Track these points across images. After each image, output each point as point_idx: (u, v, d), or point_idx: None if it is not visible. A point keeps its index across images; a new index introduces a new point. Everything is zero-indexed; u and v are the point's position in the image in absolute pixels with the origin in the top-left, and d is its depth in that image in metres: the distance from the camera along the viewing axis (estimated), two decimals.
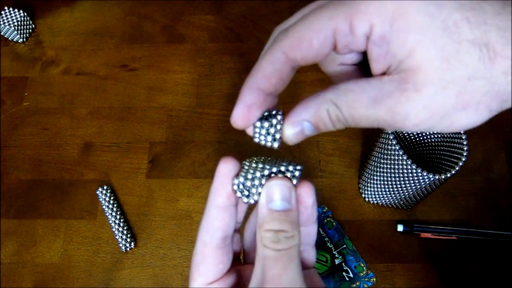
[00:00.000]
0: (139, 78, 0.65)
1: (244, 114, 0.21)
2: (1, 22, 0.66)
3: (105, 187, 0.56)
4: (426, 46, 0.17)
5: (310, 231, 0.24)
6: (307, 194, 0.22)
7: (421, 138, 0.53)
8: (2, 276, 0.53)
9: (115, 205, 0.56)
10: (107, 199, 0.56)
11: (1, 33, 0.68)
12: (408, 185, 0.46)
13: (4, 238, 0.56)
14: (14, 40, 0.69)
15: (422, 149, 0.54)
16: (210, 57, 0.67)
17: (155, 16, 0.71)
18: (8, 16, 0.67)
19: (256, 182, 0.21)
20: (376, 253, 0.53)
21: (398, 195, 0.50)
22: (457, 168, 0.43)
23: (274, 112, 0.21)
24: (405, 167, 0.43)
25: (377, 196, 0.53)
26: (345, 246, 0.53)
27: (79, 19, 0.71)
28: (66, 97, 0.65)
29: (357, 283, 0.51)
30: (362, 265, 0.51)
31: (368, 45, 0.19)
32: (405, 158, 0.43)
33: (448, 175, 0.43)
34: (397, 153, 0.43)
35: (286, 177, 0.21)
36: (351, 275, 0.51)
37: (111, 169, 0.59)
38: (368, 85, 0.19)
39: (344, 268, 0.51)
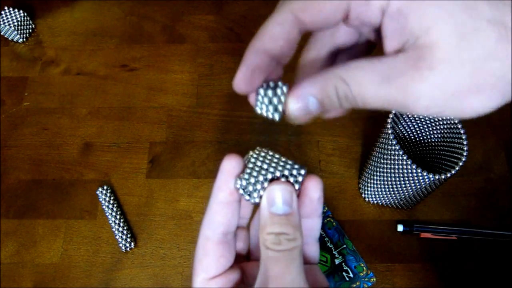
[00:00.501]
0: (139, 78, 0.65)
1: (247, 78, 0.20)
2: (1, 22, 0.66)
3: (105, 187, 0.56)
4: (445, 22, 0.16)
5: (313, 224, 0.24)
6: (314, 188, 0.22)
7: (421, 138, 0.53)
8: (2, 276, 0.53)
9: (115, 205, 0.56)
10: (107, 199, 0.56)
11: (1, 33, 0.68)
12: (408, 185, 0.46)
13: (4, 238, 0.56)
14: (14, 40, 0.69)
15: (422, 149, 0.54)
16: (210, 57, 0.67)
17: (155, 16, 0.71)
18: (8, 16, 0.67)
19: (258, 186, 0.21)
20: (376, 253, 0.53)
21: (398, 195, 0.50)
22: (457, 168, 0.43)
23: (280, 84, 0.21)
24: (405, 167, 0.43)
25: (377, 196, 0.53)
26: (345, 246, 0.53)
27: (79, 19, 0.71)
28: (66, 97, 0.65)
29: (357, 283, 0.51)
30: (362, 265, 0.51)
31: (383, 20, 0.18)
32: (405, 158, 0.43)
33: (448, 175, 0.43)
34: (397, 153, 0.43)
35: (289, 181, 0.21)
36: (351, 275, 0.51)
37: (111, 169, 0.59)
38: (380, 62, 0.18)
39: (344, 268, 0.51)
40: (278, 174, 0.21)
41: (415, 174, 0.43)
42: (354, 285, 0.50)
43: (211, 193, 0.22)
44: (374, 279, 0.51)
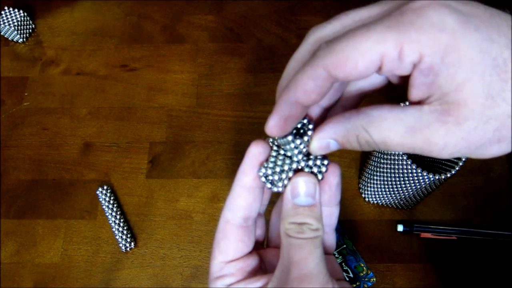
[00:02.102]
0: (139, 78, 0.65)
1: (280, 126, 0.21)
2: (1, 22, 0.66)
3: (105, 187, 0.56)
4: (474, 83, 0.17)
5: (332, 212, 0.24)
6: (333, 174, 0.23)
7: None
8: (2, 276, 0.53)
9: (115, 205, 0.56)
10: (107, 199, 0.56)
11: (1, 33, 0.68)
12: (408, 185, 0.46)
13: (4, 238, 0.56)
14: (14, 40, 0.69)
15: None
16: (210, 57, 0.67)
17: (155, 16, 0.71)
18: (8, 16, 0.67)
19: (283, 175, 0.22)
20: (376, 253, 0.53)
21: (398, 195, 0.50)
22: (457, 168, 0.43)
23: (305, 122, 0.22)
24: (405, 167, 0.43)
25: (377, 196, 0.53)
26: (345, 246, 0.53)
27: (79, 19, 0.71)
28: (66, 97, 0.65)
29: (357, 283, 0.51)
30: (362, 265, 0.51)
31: (413, 72, 0.18)
32: (405, 158, 0.43)
33: (448, 175, 0.43)
34: (397, 153, 0.43)
35: (313, 172, 0.22)
36: (351, 275, 0.51)
37: (111, 169, 0.59)
38: (404, 114, 0.19)
39: (344, 268, 0.51)
40: (303, 164, 0.22)
41: (415, 174, 0.43)
42: (354, 285, 0.50)
43: (235, 176, 0.23)
44: (374, 279, 0.51)
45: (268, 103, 0.62)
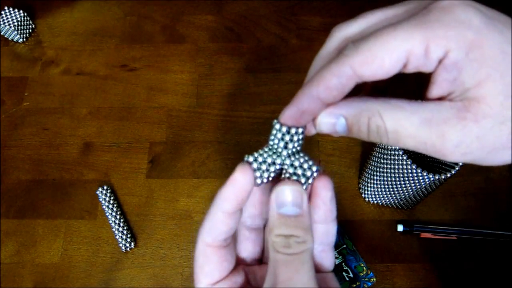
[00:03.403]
0: (139, 78, 0.65)
1: (296, 117, 0.21)
2: (1, 22, 0.66)
3: (105, 187, 0.56)
4: (495, 80, 0.17)
5: (328, 230, 0.23)
6: (325, 187, 0.22)
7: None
8: (2, 276, 0.53)
9: (115, 205, 0.56)
10: (107, 199, 0.56)
11: (1, 33, 0.68)
12: (408, 185, 0.46)
13: (4, 238, 0.56)
14: (14, 40, 0.69)
15: None
16: (210, 57, 0.67)
17: (155, 16, 0.71)
18: (8, 16, 0.67)
19: (272, 168, 0.21)
20: (376, 253, 0.53)
21: (398, 195, 0.50)
22: (457, 168, 0.43)
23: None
24: (405, 167, 0.43)
25: (377, 196, 0.53)
26: (345, 246, 0.53)
27: (79, 19, 0.71)
28: (66, 97, 0.65)
29: (357, 283, 0.51)
30: (362, 265, 0.51)
31: (436, 69, 0.19)
32: (405, 158, 0.43)
33: (448, 175, 0.43)
34: (397, 153, 0.43)
35: (295, 173, 0.21)
36: (351, 275, 0.51)
37: (111, 169, 0.59)
38: (422, 107, 0.19)
39: (344, 268, 0.51)
40: (288, 161, 0.21)
41: (415, 174, 0.43)
42: (354, 285, 0.50)
43: (215, 198, 0.22)
44: (374, 279, 0.51)
45: (268, 103, 0.62)
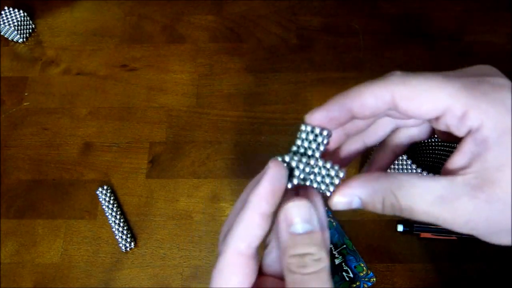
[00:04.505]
0: (139, 78, 0.65)
1: (322, 122, 0.21)
2: (1, 22, 0.66)
3: (105, 187, 0.56)
4: None
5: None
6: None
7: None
8: (2, 276, 0.53)
9: (115, 205, 0.56)
10: (107, 199, 0.56)
11: (1, 33, 0.68)
12: None
13: (4, 238, 0.56)
14: (14, 40, 0.69)
15: (422, 149, 0.54)
16: (210, 57, 0.67)
17: (155, 16, 0.71)
18: (8, 16, 0.67)
19: (307, 169, 0.21)
20: (376, 253, 0.53)
21: None
22: None
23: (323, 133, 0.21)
24: (405, 167, 0.43)
25: None
26: (345, 246, 0.53)
27: (79, 19, 0.71)
28: (66, 97, 0.65)
29: (357, 283, 0.51)
30: (362, 265, 0.51)
31: (466, 138, 0.19)
32: (405, 158, 0.43)
33: None
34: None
35: (323, 182, 0.21)
36: (351, 275, 0.51)
37: (111, 169, 0.59)
38: (434, 182, 0.19)
39: (344, 268, 0.51)
40: (320, 163, 0.21)
41: None
42: (354, 285, 0.50)
43: (247, 198, 0.20)
44: (374, 279, 0.51)
45: (268, 103, 0.62)
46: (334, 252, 0.52)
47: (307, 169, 0.21)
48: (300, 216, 0.20)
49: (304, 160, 0.21)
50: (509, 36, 0.65)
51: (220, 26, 0.69)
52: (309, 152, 0.21)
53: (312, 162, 0.21)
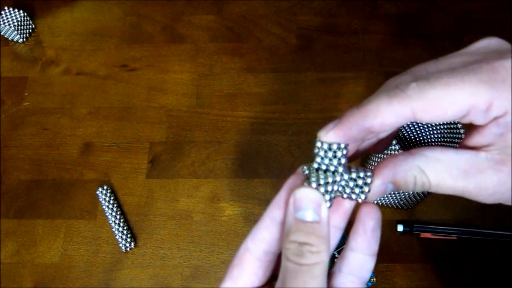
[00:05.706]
0: (139, 78, 0.65)
1: (337, 137, 0.20)
2: (1, 22, 0.66)
3: (105, 187, 0.56)
4: None
5: (364, 263, 0.22)
6: (369, 214, 0.21)
7: (421, 138, 0.53)
8: (2, 276, 0.53)
9: (115, 205, 0.56)
10: (107, 199, 0.56)
11: (1, 33, 0.68)
12: None
13: (4, 238, 0.56)
14: (14, 40, 0.69)
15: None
16: (210, 57, 0.67)
17: (155, 16, 0.71)
18: (8, 16, 0.67)
19: (335, 187, 0.20)
20: None
21: (398, 195, 0.50)
22: None
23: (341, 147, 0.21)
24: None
25: None
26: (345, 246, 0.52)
27: (79, 19, 0.71)
28: (66, 97, 0.65)
29: None
30: None
31: (489, 123, 0.19)
32: None
33: None
34: (397, 153, 0.43)
35: (353, 192, 0.21)
36: None
37: (111, 169, 0.59)
38: (458, 157, 0.20)
39: None
40: (346, 177, 0.20)
41: None
42: None
43: (268, 205, 0.21)
44: (374, 279, 0.51)
45: (268, 103, 0.62)
46: (334, 252, 0.52)
47: (335, 187, 0.20)
48: (309, 203, 0.19)
49: (330, 179, 0.20)
50: (509, 36, 0.65)
51: (220, 26, 0.69)
52: (332, 168, 0.21)
53: (338, 178, 0.20)
